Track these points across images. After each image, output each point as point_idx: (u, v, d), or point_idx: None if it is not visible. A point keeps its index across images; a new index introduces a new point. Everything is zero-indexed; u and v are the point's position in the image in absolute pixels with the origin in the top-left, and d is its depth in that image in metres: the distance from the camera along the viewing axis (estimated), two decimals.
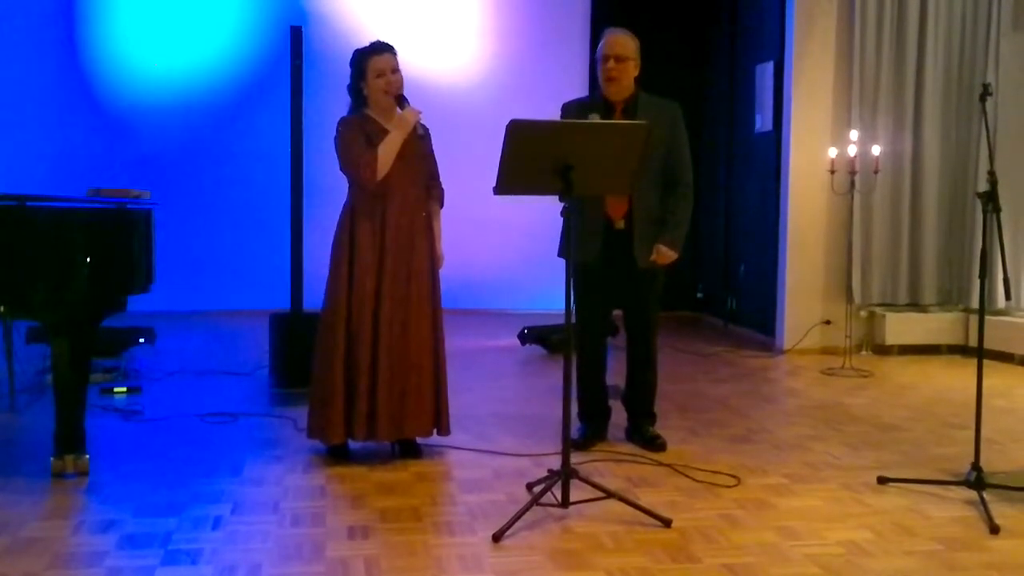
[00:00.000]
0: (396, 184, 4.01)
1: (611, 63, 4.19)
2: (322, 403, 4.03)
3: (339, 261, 4.03)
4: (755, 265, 8.03)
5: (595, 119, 4.03)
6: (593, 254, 4.21)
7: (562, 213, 3.48)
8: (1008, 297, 3.97)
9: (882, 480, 3.87)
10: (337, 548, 3.12)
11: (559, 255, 4.29)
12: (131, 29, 8.56)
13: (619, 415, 4.56)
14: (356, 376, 3.98)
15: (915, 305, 7.30)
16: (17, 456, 4.17)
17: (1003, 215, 3.67)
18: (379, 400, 3.98)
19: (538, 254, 8.39)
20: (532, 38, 9.05)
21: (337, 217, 4.12)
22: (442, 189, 4.24)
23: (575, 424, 4.43)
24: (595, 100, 4.33)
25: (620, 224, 4.23)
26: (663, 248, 4.22)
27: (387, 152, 3.96)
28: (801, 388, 5.97)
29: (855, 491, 3.79)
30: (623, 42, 4.23)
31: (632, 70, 4.24)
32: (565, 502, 3.44)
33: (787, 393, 5.88)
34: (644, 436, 4.40)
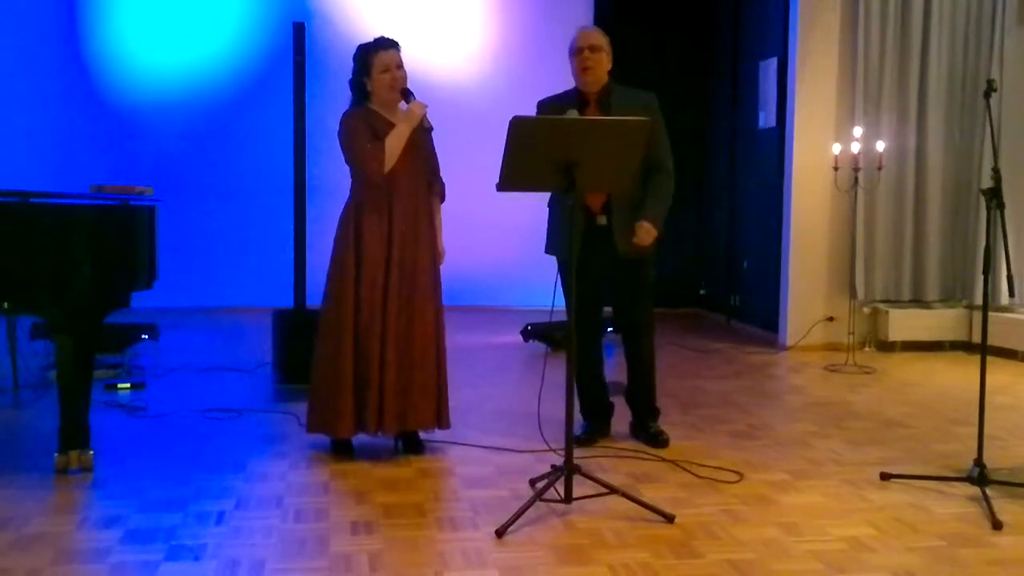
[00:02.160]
0: (402, 177, 4.02)
1: (586, 53, 4.19)
2: (329, 397, 4.02)
3: (344, 255, 4.03)
4: (758, 261, 8.03)
5: (572, 114, 4.02)
6: (584, 247, 4.20)
7: (568, 210, 3.46)
8: (1012, 294, 3.97)
9: (885, 476, 3.87)
10: (340, 544, 3.13)
11: (546, 252, 4.31)
12: (134, 26, 8.56)
13: (622, 411, 4.56)
14: (367, 369, 3.98)
15: (918, 301, 7.29)
16: (21, 452, 4.18)
17: (1007, 211, 3.67)
18: (387, 393, 3.99)
19: (541, 251, 8.41)
20: (535, 35, 9.02)
21: (340, 213, 4.12)
22: (443, 184, 4.25)
23: (577, 421, 4.43)
24: (568, 94, 4.32)
25: (602, 220, 4.23)
26: (645, 224, 4.14)
27: (394, 144, 3.96)
28: (804, 384, 5.97)
29: (858, 487, 3.79)
30: (595, 34, 4.26)
31: (606, 62, 4.24)
32: (568, 498, 3.45)
33: (790, 389, 5.88)
34: (648, 432, 4.41)
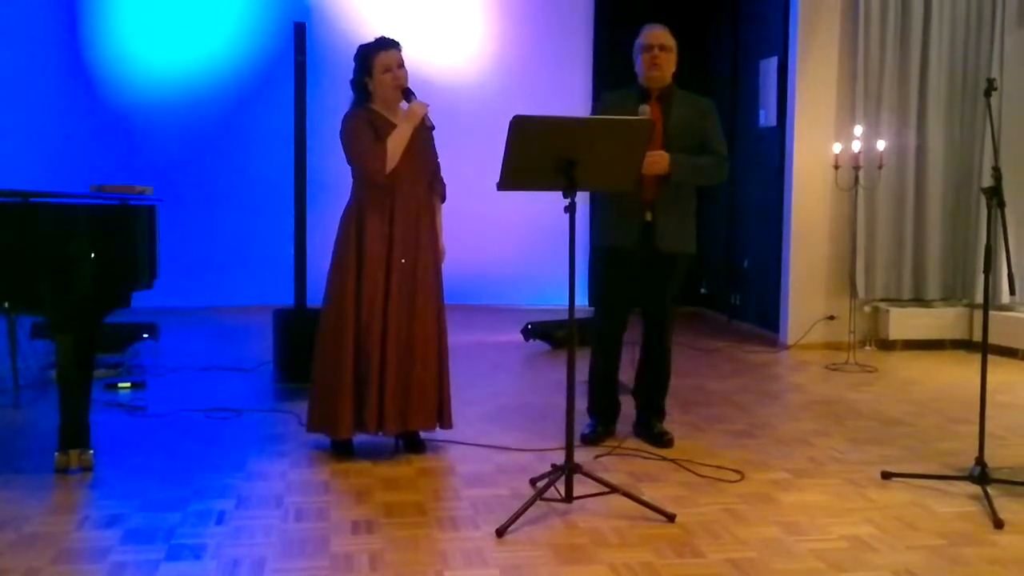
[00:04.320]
0: (403, 177, 4.02)
1: (656, 51, 4.22)
2: (329, 397, 4.02)
3: (345, 254, 4.03)
4: (759, 260, 8.03)
5: (645, 111, 4.06)
6: (631, 239, 4.22)
7: (566, 209, 3.45)
8: (1012, 292, 3.98)
9: (886, 475, 3.87)
10: (341, 543, 3.12)
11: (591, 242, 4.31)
12: (134, 26, 8.55)
13: (624, 409, 4.56)
14: (367, 369, 3.98)
15: (919, 300, 7.28)
16: (21, 451, 4.17)
17: (1007, 210, 3.67)
18: (387, 393, 3.99)
19: (542, 250, 8.44)
20: (535, 34, 9.03)
21: (341, 213, 4.12)
22: (444, 184, 4.25)
23: (586, 419, 4.44)
24: (631, 89, 4.33)
25: (648, 216, 4.23)
26: (663, 153, 4.05)
27: (396, 144, 3.96)
28: (805, 383, 5.97)
29: (859, 486, 3.79)
30: (667, 35, 4.30)
31: (673, 63, 4.29)
32: (568, 497, 3.45)
33: (791, 388, 5.87)
34: (652, 432, 4.40)
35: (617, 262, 4.30)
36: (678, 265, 4.34)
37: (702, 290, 9.14)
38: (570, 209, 3.45)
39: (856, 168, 6.61)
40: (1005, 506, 3.48)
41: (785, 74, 7.41)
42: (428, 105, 4.02)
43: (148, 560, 2.96)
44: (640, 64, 4.27)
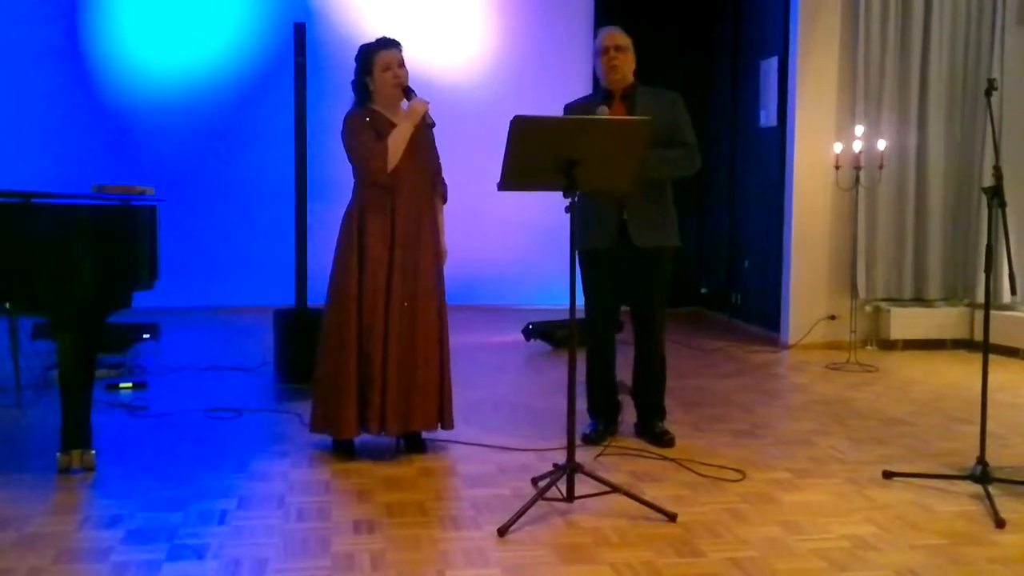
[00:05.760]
0: (405, 175, 4.02)
1: (612, 52, 4.27)
2: (332, 397, 4.02)
3: (347, 255, 4.03)
4: (759, 260, 8.02)
5: (604, 111, 4.08)
6: (609, 241, 4.22)
7: (567, 210, 3.47)
8: (1013, 292, 3.97)
9: (887, 474, 3.87)
10: (343, 543, 3.13)
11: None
12: (135, 26, 8.56)
13: (626, 410, 4.56)
14: (369, 369, 3.98)
15: (920, 300, 7.28)
16: (23, 452, 4.18)
17: (1008, 210, 3.67)
18: (389, 394, 3.99)
19: (542, 250, 8.44)
20: (536, 34, 9.03)
21: (341, 213, 4.12)
22: (445, 184, 4.25)
23: (587, 419, 4.44)
24: (596, 93, 4.37)
25: (623, 215, 4.24)
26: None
27: (397, 143, 3.96)
28: (806, 383, 5.97)
29: (860, 485, 3.79)
30: (620, 35, 4.33)
31: (631, 61, 4.32)
32: (570, 497, 3.45)
33: (792, 388, 5.87)
34: (653, 432, 4.40)
35: (599, 263, 4.30)
36: (661, 260, 4.34)
37: (702, 290, 9.15)
38: (570, 209, 3.46)
39: (857, 168, 6.61)
40: (1006, 505, 3.48)
41: (786, 74, 7.41)
42: (428, 102, 4.02)
43: (150, 560, 2.96)
44: (600, 67, 4.33)
